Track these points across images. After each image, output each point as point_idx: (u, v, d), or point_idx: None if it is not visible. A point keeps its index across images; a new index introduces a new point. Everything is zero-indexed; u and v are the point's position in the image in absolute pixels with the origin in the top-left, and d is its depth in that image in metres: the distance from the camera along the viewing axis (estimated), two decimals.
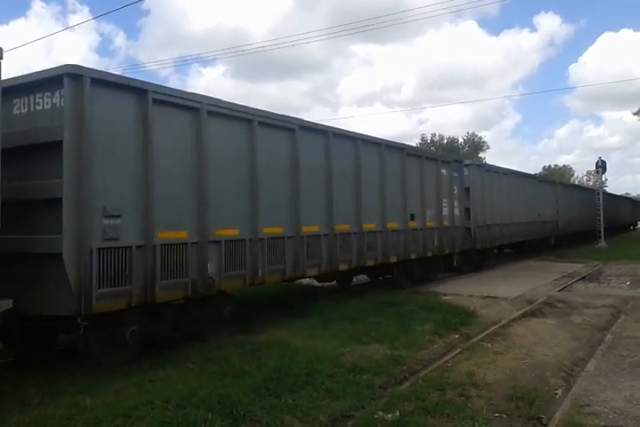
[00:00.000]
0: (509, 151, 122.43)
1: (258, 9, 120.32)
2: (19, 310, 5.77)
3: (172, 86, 9.34)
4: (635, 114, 44.56)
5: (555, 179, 40.92)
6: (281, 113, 10.11)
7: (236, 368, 6.50)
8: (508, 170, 22.20)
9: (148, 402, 5.33)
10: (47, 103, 6.43)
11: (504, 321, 9.64)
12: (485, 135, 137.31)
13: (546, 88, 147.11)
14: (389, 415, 5.13)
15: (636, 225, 64.75)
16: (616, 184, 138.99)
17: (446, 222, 15.44)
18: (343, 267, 10.99)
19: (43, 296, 6.30)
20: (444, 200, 15.44)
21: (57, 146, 6.21)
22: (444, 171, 15.55)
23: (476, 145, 72.09)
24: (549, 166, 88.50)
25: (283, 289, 12.92)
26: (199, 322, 8.00)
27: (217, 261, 8.03)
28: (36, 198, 6.38)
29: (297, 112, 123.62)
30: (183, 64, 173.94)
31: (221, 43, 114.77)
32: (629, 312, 10.70)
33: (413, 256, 13.57)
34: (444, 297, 12.16)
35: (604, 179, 34.88)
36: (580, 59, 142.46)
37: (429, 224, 14.45)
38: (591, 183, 72.50)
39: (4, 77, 5.70)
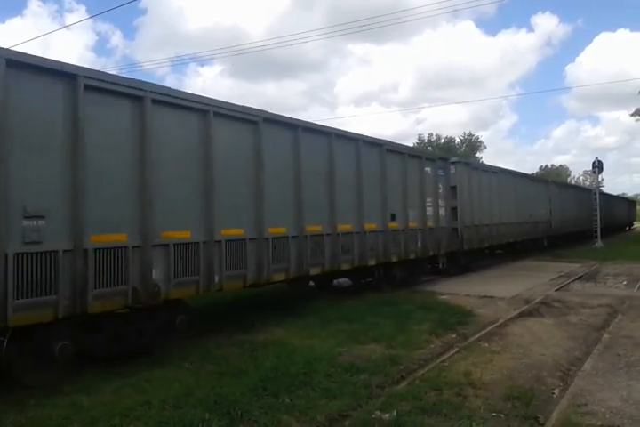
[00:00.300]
0: (506, 151, 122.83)
1: (255, 8, 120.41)
2: None
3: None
4: (631, 114, 44.61)
5: (547, 178, 40.75)
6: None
7: (234, 368, 6.51)
8: (498, 168, 21.72)
9: (145, 402, 5.34)
10: None
11: (501, 321, 9.65)
12: (482, 135, 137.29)
13: (543, 88, 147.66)
14: (387, 415, 5.14)
15: (632, 225, 64.90)
16: (613, 184, 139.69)
17: (431, 223, 14.71)
18: (315, 271, 10.19)
19: None
20: (429, 199, 14.71)
21: None
22: (428, 169, 14.80)
23: (472, 145, 72.22)
24: (546, 166, 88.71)
25: (280, 289, 12.92)
26: (145, 334, 7.17)
27: (164, 266, 7.19)
28: None
29: (294, 112, 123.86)
30: (180, 63, 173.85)
31: (218, 42, 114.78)
32: (626, 312, 10.71)
33: (394, 259, 12.83)
34: (442, 297, 12.19)
35: (600, 179, 35.11)
36: (577, 59, 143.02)
37: (412, 225, 13.70)
38: (588, 183, 72.80)
39: None
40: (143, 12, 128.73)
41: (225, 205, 8.25)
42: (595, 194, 33.58)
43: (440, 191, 15.44)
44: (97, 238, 6.42)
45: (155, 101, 7.21)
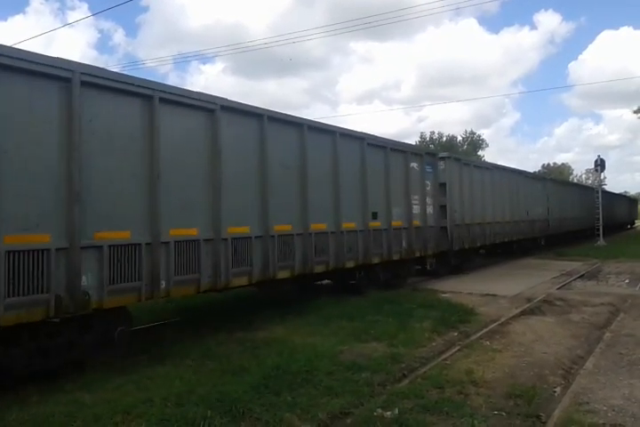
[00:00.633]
0: (508, 149, 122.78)
1: (257, 5, 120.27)
2: None
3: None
4: (634, 112, 44.53)
5: (545, 175, 40.40)
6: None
7: (235, 365, 6.51)
8: (492, 164, 21.12)
9: (146, 399, 5.35)
10: None
11: (503, 319, 9.64)
12: (485, 133, 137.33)
13: (545, 86, 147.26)
14: (388, 413, 5.14)
15: (634, 224, 64.80)
16: (615, 182, 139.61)
17: (417, 221, 13.91)
18: (283, 274, 9.38)
19: None
20: (415, 197, 13.90)
21: None
22: (414, 164, 13.98)
23: (474, 143, 72.12)
24: (548, 164, 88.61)
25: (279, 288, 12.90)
26: (76, 347, 6.45)
27: (97, 271, 6.39)
28: None
29: (297, 110, 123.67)
30: (182, 61, 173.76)
31: (220, 39, 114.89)
32: (628, 310, 10.71)
33: (376, 260, 12.10)
34: (443, 295, 12.18)
35: (602, 177, 34.88)
36: (580, 57, 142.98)
37: (396, 224, 12.91)
38: (590, 181, 72.68)
39: None
40: (145, 9, 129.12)
41: (174, 201, 7.50)
42: (597, 192, 33.51)
43: (428, 188, 14.67)
44: (11, 239, 5.62)
45: (85, 83, 6.34)
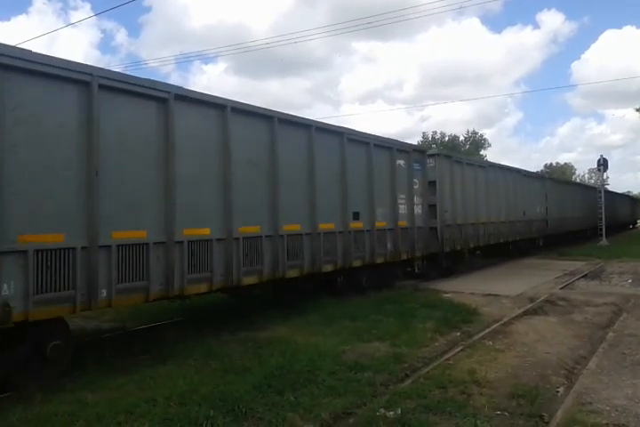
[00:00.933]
0: (511, 149, 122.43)
1: (259, 6, 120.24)
2: None
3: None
4: (637, 110, 44.41)
5: (547, 174, 40.00)
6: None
7: (238, 365, 6.51)
8: (486, 162, 20.43)
9: (149, 399, 5.35)
10: None
11: (505, 319, 9.63)
12: (487, 133, 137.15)
13: (548, 86, 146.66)
14: (391, 413, 5.13)
15: (636, 223, 64.62)
16: (618, 182, 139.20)
17: (404, 222, 13.19)
18: (249, 280, 8.70)
19: None
20: (401, 196, 13.18)
21: None
22: (400, 161, 13.21)
23: (477, 143, 71.98)
24: (551, 164, 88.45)
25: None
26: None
27: (21, 279, 5.68)
28: None
29: (299, 109, 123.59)
30: (185, 61, 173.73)
31: (223, 39, 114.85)
32: (631, 310, 10.69)
33: (358, 263, 11.40)
34: (445, 295, 12.17)
35: (605, 177, 34.80)
36: (583, 56, 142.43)
37: (380, 224, 12.19)
38: (593, 181, 72.57)
39: None
40: (147, 9, 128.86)
41: (118, 200, 6.77)
42: (599, 192, 33.43)
43: (416, 187, 13.93)
44: None
45: (7, 68, 5.70)
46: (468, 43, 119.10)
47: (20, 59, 5.77)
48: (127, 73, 7.84)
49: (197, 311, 10.41)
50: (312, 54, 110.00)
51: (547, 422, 5.07)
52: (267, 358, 6.73)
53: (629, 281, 15.04)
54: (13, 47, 5.98)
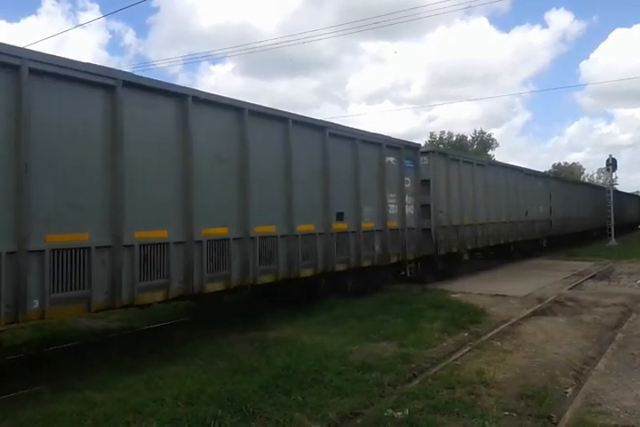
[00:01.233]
0: (519, 149, 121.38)
1: (267, 6, 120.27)
2: None
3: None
4: None
5: (555, 174, 39.42)
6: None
7: (245, 365, 6.52)
8: (485, 160, 19.73)
9: (157, 398, 5.37)
10: None
11: (514, 319, 9.59)
12: (495, 133, 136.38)
13: (557, 85, 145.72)
14: (399, 413, 5.13)
15: None
16: (627, 182, 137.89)
17: (394, 223, 12.42)
18: (215, 287, 7.98)
19: None
20: (391, 195, 12.41)
21: None
22: (390, 158, 12.46)
23: (484, 143, 71.74)
24: (559, 164, 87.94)
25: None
26: None
27: None
28: None
29: (306, 109, 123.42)
30: (192, 61, 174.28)
31: (230, 40, 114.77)
32: None
33: (341, 267, 10.67)
34: (453, 295, 12.13)
35: (614, 177, 34.56)
36: (592, 55, 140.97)
37: (367, 225, 11.47)
38: (602, 181, 72.13)
39: None
40: (156, 10, 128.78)
41: (52, 198, 6.11)
42: (608, 192, 33.23)
43: (407, 186, 13.13)
44: None
45: None
46: (476, 42, 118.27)
47: None
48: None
49: (205, 311, 10.42)
50: (320, 54, 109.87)
51: (555, 423, 5.05)
52: (274, 358, 6.74)
53: (639, 282, 14.94)
54: None
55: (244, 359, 6.80)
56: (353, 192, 11.24)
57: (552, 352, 7.50)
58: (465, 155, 19.28)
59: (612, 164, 33.14)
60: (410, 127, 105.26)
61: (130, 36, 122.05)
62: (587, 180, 79.00)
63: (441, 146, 62.35)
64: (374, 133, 12.35)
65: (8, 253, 5.62)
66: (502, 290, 12.90)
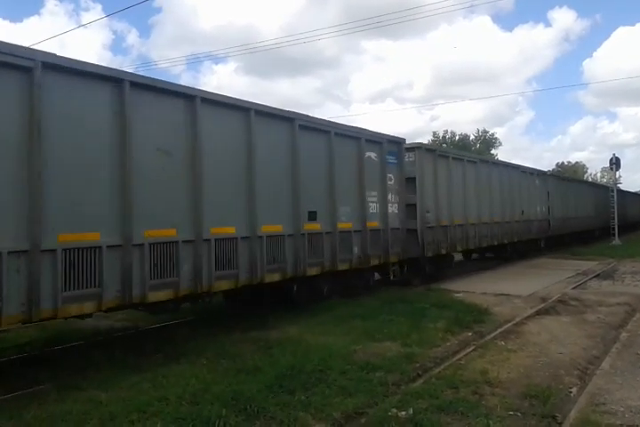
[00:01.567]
0: (522, 148, 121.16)
1: (269, 6, 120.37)
2: None
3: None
4: None
5: (558, 173, 38.89)
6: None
7: (250, 365, 6.52)
8: (478, 157, 18.80)
9: (162, 397, 5.38)
10: None
11: (518, 319, 9.58)
12: (498, 132, 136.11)
13: (560, 84, 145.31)
14: (403, 413, 5.13)
15: None
16: (630, 181, 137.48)
17: (375, 223, 11.71)
18: (161, 296, 7.18)
19: None
20: (372, 193, 11.69)
21: None
22: (371, 154, 11.74)
23: (487, 142, 71.66)
24: (562, 163, 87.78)
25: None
26: None
27: None
28: None
29: (309, 109, 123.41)
30: (195, 61, 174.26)
31: (233, 40, 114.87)
32: None
33: (314, 271, 9.93)
34: (457, 295, 12.12)
35: (617, 176, 34.46)
36: (595, 54, 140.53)
37: (344, 226, 10.73)
38: (605, 180, 71.98)
39: None
40: (158, 10, 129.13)
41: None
42: (612, 191, 33.13)
43: (391, 183, 12.37)
44: None
45: None
46: (480, 41, 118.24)
47: None
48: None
49: (209, 311, 10.43)
50: (322, 54, 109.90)
51: (560, 423, 5.04)
52: (278, 358, 6.74)
53: None
54: None
55: (248, 359, 6.81)
56: (327, 190, 10.47)
57: (556, 352, 7.50)
58: (455, 151, 18.62)
59: (615, 163, 33.06)
60: (413, 127, 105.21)
61: (133, 36, 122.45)
62: (590, 179, 78.85)
63: (444, 145, 62.30)
64: (351, 126, 11.63)
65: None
66: (506, 289, 12.89)
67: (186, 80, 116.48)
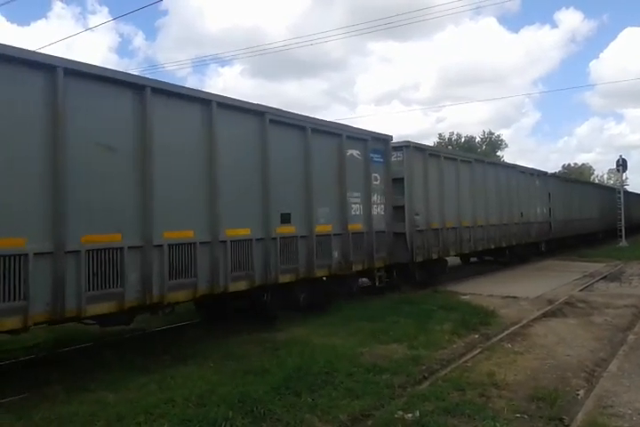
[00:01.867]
0: (529, 149, 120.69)
1: (275, 7, 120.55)
2: None
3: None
4: None
5: (565, 175, 38.41)
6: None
7: (256, 366, 6.54)
8: (472, 156, 18.08)
9: (168, 399, 5.40)
10: None
11: (524, 321, 9.56)
12: (504, 133, 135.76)
13: (566, 85, 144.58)
14: (409, 415, 5.13)
15: None
16: (637, 182, 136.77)
17: (358, 225, 10.91)
18: (100, 309, 6.38)
19: None
20: (355, 194, 10.90)
21: None
22: (354, 152, 10.97)
23: (493, 144, 71.53)
24: (569, 165, 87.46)
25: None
26: None
27: None
28: None
29: (315, 111, 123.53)
30: (201, 64, 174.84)
31: (239, 42, 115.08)
32: None
33: (287, 278, 9.09)
34: (463, 297, 12.11)
35: (624, 177, 34.36)
36: (601, 55, 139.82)
37: (323, 229, 9.93)
38: (612, 182, 71.66)
39: None
40: (164, 13, 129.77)
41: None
42: (618, 193, 32.99)
43: (376, 183, 11.62)
44: None
45: None
46: (486, 42, 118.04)
47: None
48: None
49: (215, 312, 10.44)
50: (328, 56, 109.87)
51: (567, 426, 5.04)
52: (284, 360, 6.75)
53: None
54: None
55: (255, 360, 6.83)
56: (303, 190, 9.63)
57: (563, 354, 7.48)
58: (447, 150, 17.96)
59: (622, 164, 32.94)
60: (419, 128, 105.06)
61: (139, 39, 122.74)
62: (597, 180, 78.47)
63: (450, 147, 62.22)
64: (331, 122, 10.95)
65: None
66: (513, 292, 12.85)
67: (192, 83, 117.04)
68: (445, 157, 14.89)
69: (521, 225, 19.67)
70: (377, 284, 11.73)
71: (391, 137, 12.51)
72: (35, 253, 5.76)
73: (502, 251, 18.66)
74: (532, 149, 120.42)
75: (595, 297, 12.28)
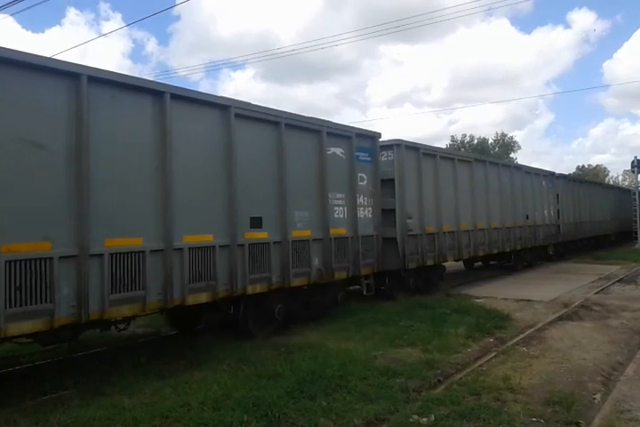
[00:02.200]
0: (542, 151, 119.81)
1: (286, 12, 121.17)
2: None
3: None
4: None
5: (579, 177, 37.69)
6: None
7: (270, 370, 6.55)
8: (472, 156, 17.31)
9: (184, 403, 5.44)
10: None
11: (539, 324, 9.49)
12: (518, 135, 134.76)
13: (580, 86, 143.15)
14: (424, 419, 5.12)
15: None
16: None
17: (342, 229, 10.08)
18: (27, 327, 5.58)
19: None
20: (338, 196, 10.06)
21: None
22: (336, 150, 10.12)
23: (506, 145, 71.10)
24: (583, 166, 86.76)
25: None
26: None
27: None
28: None
29: (327, 114, 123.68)
30: (213, 69, 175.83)
31: (251, 46, 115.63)
32: None
33: (258, 289, 8.29)
34: (477, 300, 12.05)
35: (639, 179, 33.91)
36: (615, 55, 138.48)
37: (301, 233, 9.12)
38: (627, 183, 70.98)
39: None
40: (177, 18, 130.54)
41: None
42: (634, 194, 32.66)
43: (363, 184, 10.80)
44: None
45: None
46: (498, 44, 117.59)
47: None
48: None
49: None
50: (339, 59, 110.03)
51: None
52: (299, 364, 6.76)
53: None
54: None
55: (269, 364, 6.84)
56: (276, 192, 8.77)
57: (579, 358, 7.41)
58: (444, 149, 16.94)
59: (637, 165, 32.54)
60: (431, 131, 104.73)
61: (152, 45, 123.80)
62: (611, 182, 77.70)
63: (462, 149, 61.96)
64: (309, 117, 9.80)
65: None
66: (527, 295, 12.78)
67: (205, 88, 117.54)
68: (441, 157, 13.94)
69: (526, 228, 18.84)
70: (365, 292, 10.95)
71: (379, 134, 11.50)
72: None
73: (507, 255, 17.97)
74: (546, 151, 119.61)
75: (611, 300, 12.16)
